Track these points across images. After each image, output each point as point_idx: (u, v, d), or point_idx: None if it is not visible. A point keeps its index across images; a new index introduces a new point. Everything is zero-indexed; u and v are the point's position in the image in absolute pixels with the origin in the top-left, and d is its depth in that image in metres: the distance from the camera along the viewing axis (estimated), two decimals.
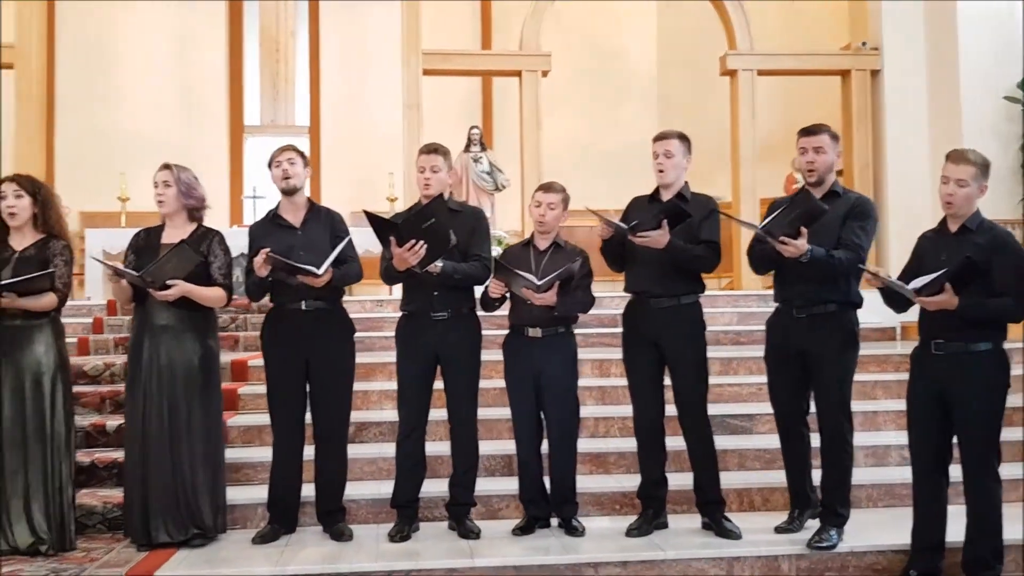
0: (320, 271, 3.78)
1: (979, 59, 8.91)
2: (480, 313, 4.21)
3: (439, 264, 3.83)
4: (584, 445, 4.91)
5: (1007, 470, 4.60)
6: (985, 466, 3.48)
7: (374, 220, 3.71)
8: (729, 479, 4.65)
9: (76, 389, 5.05)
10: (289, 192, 4.08)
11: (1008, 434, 4.85)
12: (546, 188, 4.23)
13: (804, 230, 3.61)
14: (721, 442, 4.98)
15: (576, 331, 4.24)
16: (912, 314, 3.72)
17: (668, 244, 3.85)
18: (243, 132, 12.71)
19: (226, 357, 5.57)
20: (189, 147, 11.74)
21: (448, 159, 4.12)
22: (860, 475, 4.67)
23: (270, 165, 4.15)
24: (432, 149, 4.09)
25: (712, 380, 5.65)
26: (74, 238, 11.02)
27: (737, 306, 7.55)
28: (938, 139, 9.21)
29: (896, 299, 3.57)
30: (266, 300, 4.12)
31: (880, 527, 4.11)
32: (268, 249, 3.82)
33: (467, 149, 9.60)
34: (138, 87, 12.04)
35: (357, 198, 11.84)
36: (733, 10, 9.70)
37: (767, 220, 3.71)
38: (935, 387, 3.52)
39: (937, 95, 9.25)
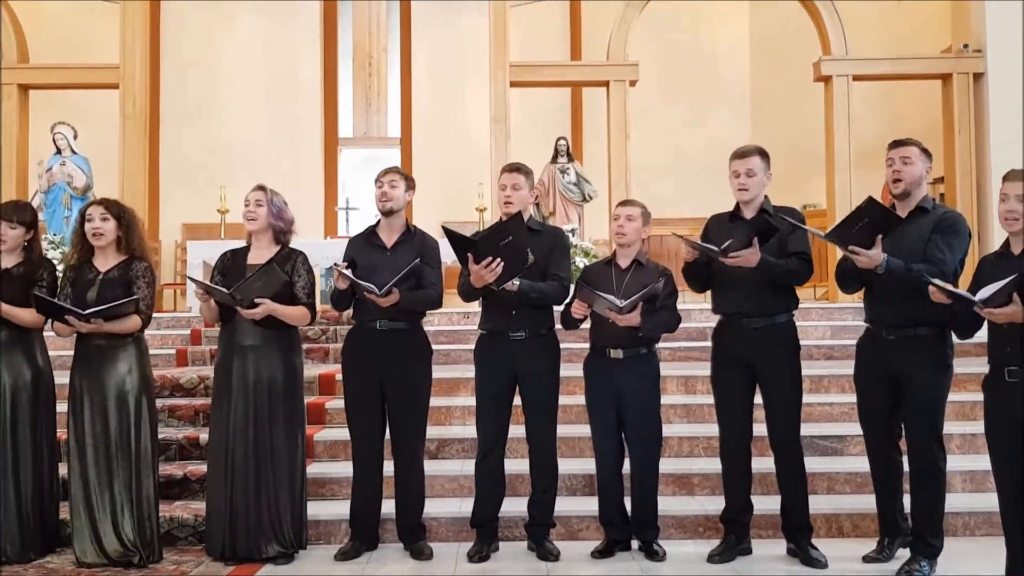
0: (380, 292, 3.83)
1: None
2: (560, 328, 4.22)
3: (516, 282, 3.84)
4: (667, 465, 4.86)
5: None
6: None
7: (452, 236, 3.75)
8: (817, 503, 4.52)
9: (172, 402, 5.32)
10: (386, 213, 4.16)
11: None
12: (625, 203, 4.21)
13: (879, 239, 3.49)
14: (810, 464, 4.86)
15: (662, 346, 4.18)
16: None
17: (760, 262, 3.77)
18: (337, 144, 13.02)
19: (315, 370, 5.74)
20: (285, 160, 12.17)
21: (531, 178, 4.13)
22: (958, 501, 4.52)
23: (376, 183, 4.22)
24: (515, 168, 4.11)
25: (804, 399, 5.62)
26: (176, 250, 11.56)
27: (831, 319, 7.35)
28: None
29: (960, 322, 3.41)
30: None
31: (976, 557, 3.94)
32: (341, 264, 3.91)
33: (554, 160, 9.61)
34: (237, 103, 12.48)
35: (447, 208, 12.03)
36: (827, 14, 9.44)
37: (832, 228, 3.60)
38: (1015, 414, 3.33)
39: None
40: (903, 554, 3.87)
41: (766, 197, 4.03)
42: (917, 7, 10.87)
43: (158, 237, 11.68)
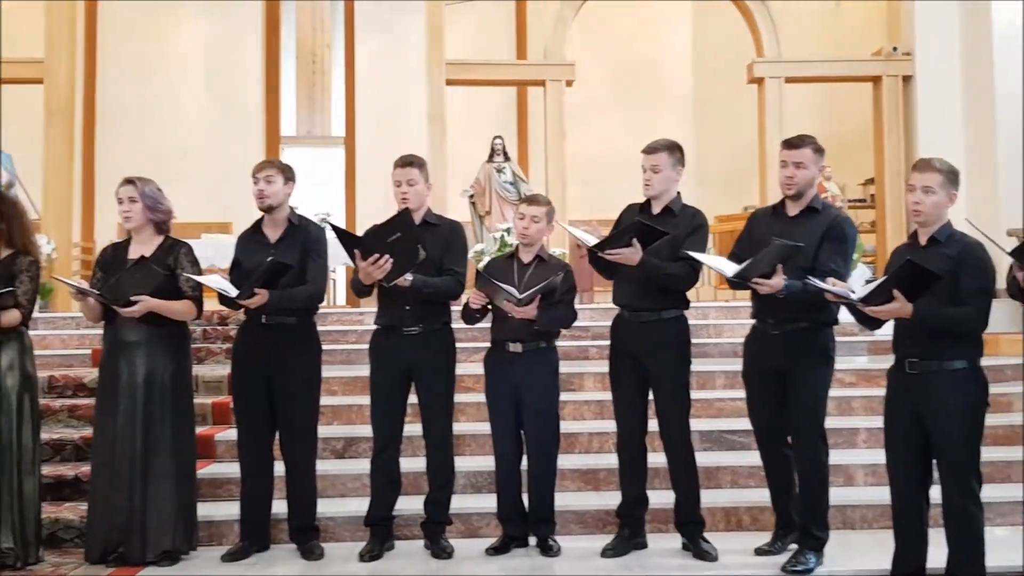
0: (233, 293, 3.78)
1: (1014, 64, 8.63)
2: (462, 326, 4.19)
3: (408, 278, 3.81)
4: (576, 461, 4.90)
5: (1003, 491, 4.51)
6: (965, 489, 3.33)
7: (338, 233, 3.72)
8: (719, 497, 4.58)
9: (73, 401, 5.21)
10: (265, 210, 4.10)
11: (1006, 453, 4.76)
12: (529, 201, 4.20)
13: (779, 267, 3.51)
14: (717, 458, 4.95)
15: (579, 344, 4.18)
16: None
17: (641, 261, 3.77)
18: (279, 143, 12.90)
19: (223, 370, 5.65)
20: (226, 158, 12.02)
21: (424, 171, 4.11)
22: (858, 494, 4.59)
23: (253, 178, 4.14)
24: (407, 162, 4.09)
25: (716, 394, 5.68)
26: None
27: (747, 318, 7.38)
28: (972, 146, 8.94)
29: (869, 318, 3.44)
30: None
31: (867, 550, 3.97)
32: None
33: (491, 159, 9.61)
34: (177, 101, 12.33)
35: (392, 208, 11.97)
36: (760, 17, 9.55)
37: (747, 265, 3.59)
38: (911, 407, 3.39)
39: (971, 100, 8.98)
40: (796, 547, 3.89)
41: (677, 195, 4.03)
42: (855, 10, 11.02)
43: (93, 237, 11.50)
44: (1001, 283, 3.42)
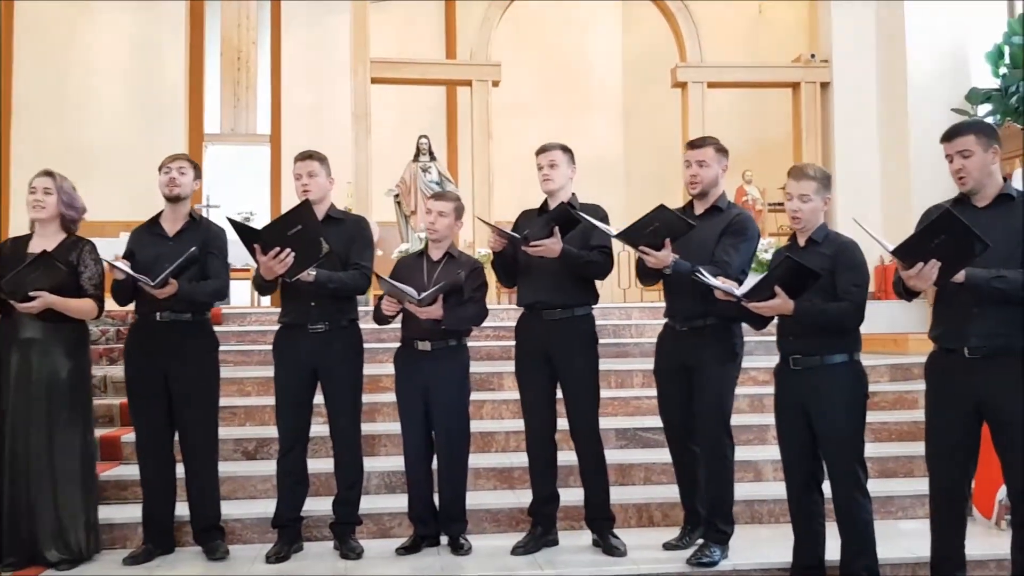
0: (154, 283, 3.70)
1: (927, 72, 8.93)
2: (370, 324, 4.15)
3: (312, 273, 3.76)
4: (491, 460, 4.89)
5: (906, 485, 4.63)
6: (851, 480, 3.41)
7: (237, 227, 3.64)
8: (632, 493, 4.62)
9: None
10: (173, 200, 4.01)
11: (909, 448, 4.90)
12: (437, 196, 4.19)
13: (668, 242, 3.58)
14: (632, 455, 5.00)
15: (501, 344, 4.16)
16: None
17: (562, 252, 3.80)
18: (202, 141, 12.64)
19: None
20: (146, 155, 11.61)
21: (326, 165, 4.06)
22: (766, 489, 4.66)
23: (160, 169, 4.06)
24: (308, 155, 4.05)
25: (633, 392, 5.74)
26: None
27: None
28: (887, 151, 9.22)
29: (753, 317, 3.51)
30: None
31: (772, 544, 4.03)
32: (113, 259, 3.76)
33: (416, 158, 9.55)
34: (97, 97, 12.01)
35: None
36: (684, 22, 9.68)
37: (624, 228, 3.66)
38: (797, 403, 3.47)
39: (885, 107, 9.25)
40: (701, 541, 3.94)
41: (573, 194, 4.07)
42: (777, 17, 11.25)
43: (7, 235, 11.12)
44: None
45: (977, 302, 3.09)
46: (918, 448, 3.48)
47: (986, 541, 3.94)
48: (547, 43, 12.67)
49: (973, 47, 9.08)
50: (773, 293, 3.29)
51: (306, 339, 3.93)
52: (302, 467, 4.03)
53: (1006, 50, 8.81)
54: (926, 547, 3.38)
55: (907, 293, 3.18)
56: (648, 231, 3.60)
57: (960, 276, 3.03)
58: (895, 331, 7.38)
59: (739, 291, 3.39)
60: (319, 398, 4.06)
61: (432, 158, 9.55)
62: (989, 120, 8.57)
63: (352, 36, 9.35)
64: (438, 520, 4.10)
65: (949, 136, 3.26)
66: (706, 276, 3.46)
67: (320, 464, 4.34)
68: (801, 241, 3.54)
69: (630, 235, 3.66)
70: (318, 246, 3.64)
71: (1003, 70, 8.80)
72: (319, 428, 4.21)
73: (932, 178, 8.20)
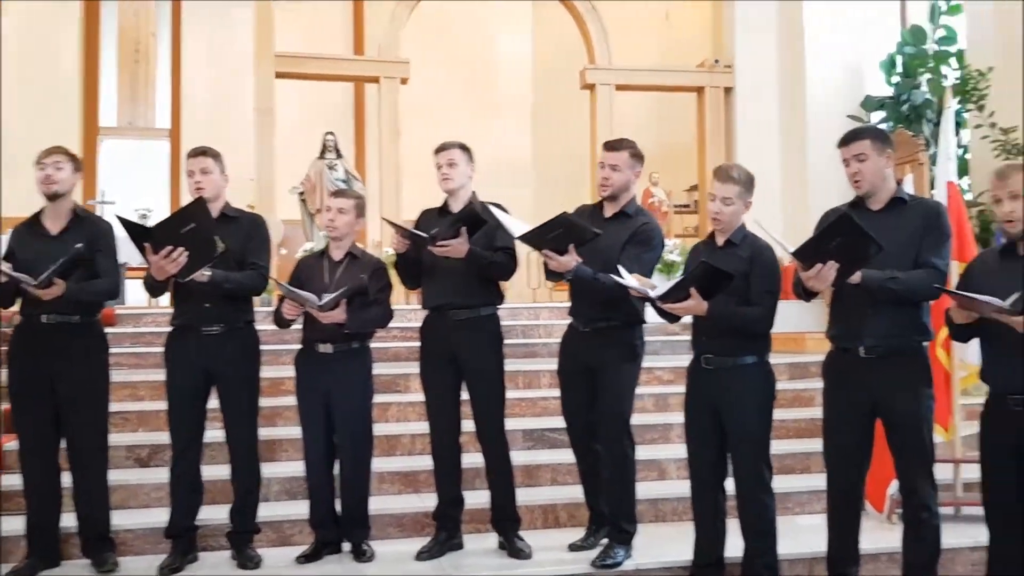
0: (36, 282, 3.51)
1: (825, 79, 9.21)
2: (268, 325, 4.02)
3: (207, 273, 3.62)
4: (399, 463, 4.82)
5: (804, 481, 4.75)
6: (757, 479, 3.47)
7: (127, 225, 3.47)
8: (539, 494, 4.61)
9: None
10: (51, 197, 3.80)
11: (807, 445, 5.02)
12: (336, 193, 4.09)
13: (572, 247, 3.58)
14: (539, 456, 4.99)
15: (408, 344, 4.08)
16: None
17: (468, 252, 3.75)
18: (98, 134, 12.15)
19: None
20: (39, 148, 11.15)
21: (220, 162, 3.93)
22: (670, 488, 4.70)
23: (35, 165, 3.84)
24: (200, 151, 3.90)
25: (540, 393, 5.73)
26: None
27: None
28: (787, 155, 9.47)
29: (667, 312, 3.54)
30: None
31: (675, 542, 4.05)
32: None
33: (322, 156, 9.37)
34: None
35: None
36: (593, 24, 9.76)
37: (528, 231, 3.65)
38: (707, 401, 3.51)
39: (786, 113, 9.51)
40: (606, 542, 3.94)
41: (474, 193, 4.03)
42: (684, 23, 11.44)
43: None
44: None
45: (872, 303, 3.17)
46: (815, 445, 3.56)
47: (878, 535, 4.05)
48: (457, 42, 12.60)
49: (868, 56, 9.41)
50: (689, 294, 3.31)
51: (200, 341, 3.78)
52: (196, 474, 3.88)
53: (899, 60, 9.16)
54: (823, 542, 3.46)
55: (806, 294, 3.24)
56: (551, 236, 3.59)
57: (856, 277, 3.11)
58: (794, 330, 7.58)
59: (654, 293, 3.40)
60: (214, 402, 3.91)
61: (338, 155, 9.39)
62: (883, 126, 8.89)
63: (256, 30, 9.13)
64: (340, 526, 4.00)
65: (846, 141, 3.35)
66: (623, 276, 3.46)
67: (216, 471, 4.17)
68: (720, 241, 3.57)
69: (533, 239, 3.64)
70: (213, 245, 3.50)
71: (896, 79, 9.15)
72: (215, 433, 4.06)
73: (829, 181, 8.46)
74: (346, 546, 4.02)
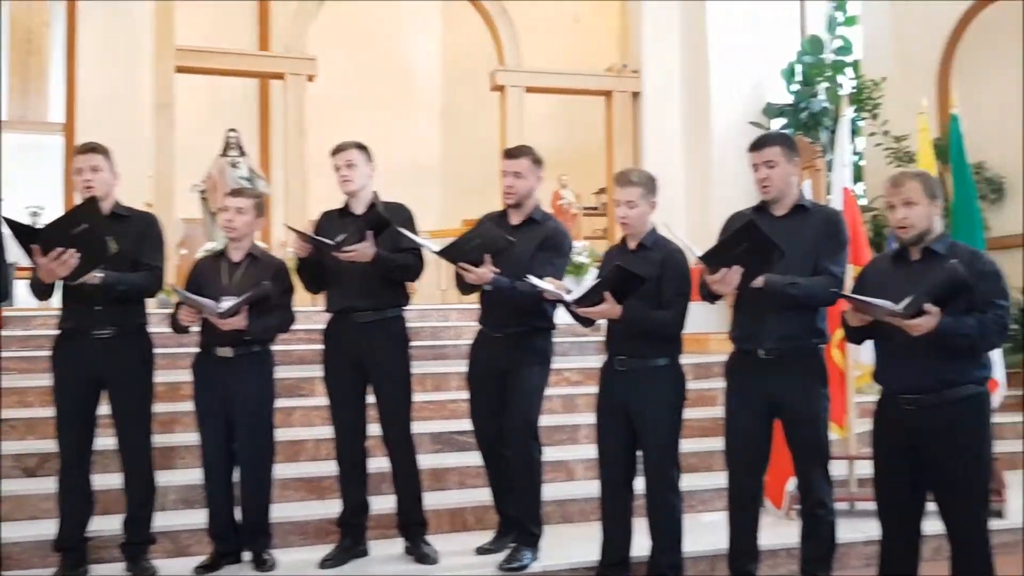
0: None
1: (727, 86, 9.42)
2: (162, 328, 3.88)
3: (98, 275, 3.47)
4: (302, 469, 4.72)
5: (707, 480, 4.84)
6: (666, 479, 3.52)
7: (13, 226, 3.29)
8: (446, 498, 4.57)
9: None
10: None
11: (710, 444, 5.11)
12: (234, 192, 3.98)
13: (488, 258, 3.57)
14: (447, 459, 4.95)
15: (313, 347, 3.99)
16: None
17: (375, 256, 3.68)
18: None
19: None
20: None
21: (110, 159, 3.77)
22: (577, 488, 4.73)
23: None
24: (90, 148, 3.74)
25: (449, 396, 5.69)
26: None
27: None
28: (691, 160, 9.65)
29: (580, 316, 3.55)
30: None
31: (582, 543, 4.06)
32: None
33: (224, 153, 9.11)
34: None
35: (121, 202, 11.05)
36: (503, 26, 9.75)
37: (448, 245, 3.62)
38: (618, 402, 3.54)
39: (690, 118, 9.69)
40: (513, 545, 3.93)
41: (375, 193, 3.98)
42: (593, 26, 11.54)
43: None
44: None
45: (773, 306, 3.25)
46: (718, 444, 3.62)
47: (777, 531, 4.15)
48: (365, 40, 12.44)
49: (769, 64, 9.68)
50: (602, 298, 3.33)
51: (90, 345, 3.62)
52: (86, 483, 3.71)
53: (798, 68, 9.44)
54: (724, 539, 3.53)
55: (711, 296, 3.30)
56: (470, 248, 3.58)
57: (759, 281, 3.18)
58: (699, 331, 7.73)
59: (569, 297, 3.41)
60: (106, 408, 3.75)
61: (242, 153, 9.13)
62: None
63: (156, 22, 8.83)
64: (240, 535, 3.89)
65: (758, 146, 3.41)
66: (535, 282, 3.46)
67: (108, 479, 4.00)
68: (631, 245, 3.60)
69: (452, 252, 3.62)
70: (104, 246, 3.35)
71: (795, 87, 9.43)
72: (107, 440, 3.89)
73: (732, 186, 8.69)
74: (247, 555, 3.90)
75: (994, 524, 3.23)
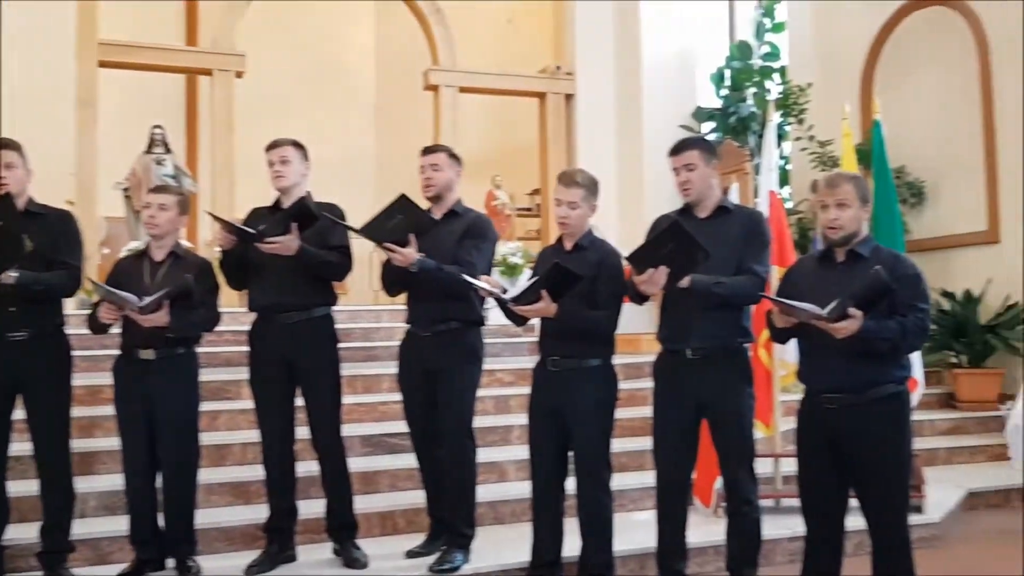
0: None
1: (659, 89, 9.54)
2: (80, 330, 3.76)
3: (12, 274, 3.34)
4: (229, 474, 4.62)
5: (638, 479, 4.88)
6: (597, 479, 3.53)
7: None
8: (376, 501, 4.53)
9: None
10: None
11: (641, 443, 5.16)
12: (158, 189, 3.88)
13: (412, 238, 3.56)
14: (377, 462, 4.91)
15: (240, 349, 3.91)
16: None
17: (299, 250, 3.62)
18: None
19: None
20: None
21: (21, 152, 3.64)
22: (510, 489, 4.72)
23: None
24: (2, 144, 3.61)
25: (380, 397, 5.64)
26: None
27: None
28: (624, 162, 9.75)
29: (514, 314, 3.55)
30: None
31: (514, 544, 4.05)
32: None
33: (149, 150, 8.89)
34: None
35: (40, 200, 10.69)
36: (437, 25, 9.73)
37: (367, 223, 3.59)
38: (551, 403, 3.54)
39: (623, 120, 9.79)
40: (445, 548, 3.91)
41: (308, 192, 3.92)
42: (527, 28, 11.58)
43: None
44: None
45: (699, 306, 3.29)
46: (649, 443, 3.64)
47: (706, 529, 4.21)
48: (298, 37, 12.29)
49: (700, 68, 9.84)
50: (539, 296, 3.33)
51: (4, 349, 3.48)
52: (1, 491, 3.58)
53: (727, 73, 9.61)
54: (654, 538, 3.55)
55: (638, 297, 3.32)
56: (391, 224, 3.54)
57: (685, 282, 3.21)
58: (630, 332, 7.80)
59: (508, 295, 3.40)
60: (21, 413, 3.61)
61: (167, 150, 8.93)
62: (711, 137, 9.31)
63: (78, 15, 8.56)
64: (163, 542, 3.78)
65: (676, 150, 3.45)
66: (471, 280, 3.45)
67: (24, 486, 3.86)
68: (568, 245, 3.61)
69: (373, 229, 3.57)
70: (20, 245, 3.24)
71: (724, 91, 9.59)
72: (23, 446, 3.75)
73: (664, 188, 8.77)
74: (170, 563, 3.80)
75: (914, 519, 3.32)
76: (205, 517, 4.05)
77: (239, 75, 9.07)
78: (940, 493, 5.06)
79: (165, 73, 10.52)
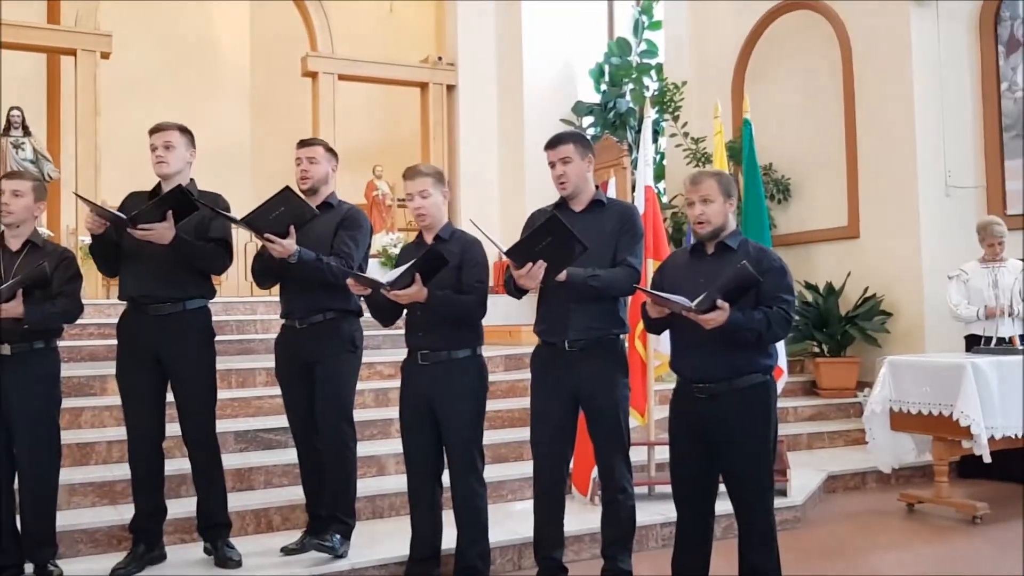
0: None
1: (541, 82, 9.65)
2: None
3: None
4: (93, 473, 4.42)
5: (517, 469, 4.93)
6: (469, 469, 3.55)
7: None
8: (251, 498, 4.42)
9: None
10: None
11: (520, 434, 5.23)
12: (11, 175, 3.67)
13: (292, 230, 3.51)
14: (251, 458, 4.78)
15: (107, 342, 3.70)
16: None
17: (174, 239, 3.49)
18: None
19: None
20: None
21: None
22: (389, 483, 4.69)
23: None
24: None
25: (255, 392, 5.51)
26: None
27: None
28: (505, 154, 9.82)
29: (385, 310, 3.53)
30: None
31: (392, 538, 4.03)
32: None
33: (7, 133, 8.39)
34: None
35: None
36: (315, 12, 9.55)
37: (248, 215, 3.50)
38: (422, 395, 3.54)
39: (505, 113, 9.86)
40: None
41: (192, 180, 3.81)
42: (409, 17, 11.47)
43: None
44: None
45: (575, 299, 3.34)
46: (527, 433, 3.68)
47: (583, 517, 4.29)
48: (169, 18, 11.79)
49: (580, 63, 9.98)
50: (413, 280, 3.31)
51: None
52: None
53: (606, 69, 9.79)
54: (532, 527, 3.59)
55: (517, 291, 3.35)
56: (273, 216, 3.46)
57: (562, 275, 3.25)
58: (509, 323, 7.88)
59: (385, 279, 3.37)
60: None
61: (26, 133, 8.44)
62: (591, 132, 9.47)
63: None
64: (22, 546, 3.59)
65: (552, 144, 3.50)
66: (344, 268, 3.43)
67: None
68: (428, 239, 3.61)
69: (255, 221, 3.49)
70: None
71: (604, 87, 9.77)
72: None
73: (544, 181, 8.88)
74: (29, 567, 3.61)
75: (778, 502, 3.47)
76: (67, 519, 3.89)
77: (105, 56, 8.66)
78: (803, 477, 5.30)
79: (24, 52, 9.96)
